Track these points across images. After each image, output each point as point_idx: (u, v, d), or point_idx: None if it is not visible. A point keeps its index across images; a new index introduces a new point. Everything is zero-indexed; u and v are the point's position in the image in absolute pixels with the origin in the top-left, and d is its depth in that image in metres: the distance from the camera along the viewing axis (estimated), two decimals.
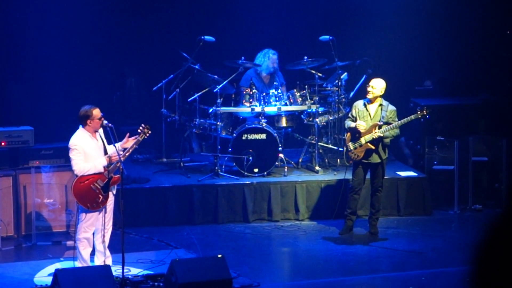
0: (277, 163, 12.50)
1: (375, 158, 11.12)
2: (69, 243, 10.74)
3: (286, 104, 12.51)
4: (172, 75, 12.86)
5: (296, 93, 12.51)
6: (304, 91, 12.51)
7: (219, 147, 12.33)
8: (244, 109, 12.51)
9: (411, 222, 12.13)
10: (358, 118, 11.16)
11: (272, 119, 12.68)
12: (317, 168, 12.60)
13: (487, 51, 14.42)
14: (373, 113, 11.11)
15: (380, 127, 11.01)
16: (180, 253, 10.45)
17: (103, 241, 9.32)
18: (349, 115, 11.37)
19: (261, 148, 12.32)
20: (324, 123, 12.80)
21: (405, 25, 14.33)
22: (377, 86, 11.05)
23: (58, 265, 9.71)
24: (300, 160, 12.97)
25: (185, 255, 10.40)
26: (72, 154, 9.19)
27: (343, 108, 12.77)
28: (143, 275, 9.47)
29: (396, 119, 11.06)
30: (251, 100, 12.43)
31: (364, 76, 13.21)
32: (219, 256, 9.08)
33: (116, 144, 9.10)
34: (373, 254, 10.72)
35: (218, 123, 12.38)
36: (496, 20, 14.27)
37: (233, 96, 12.59)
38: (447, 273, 9.87)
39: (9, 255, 10.61)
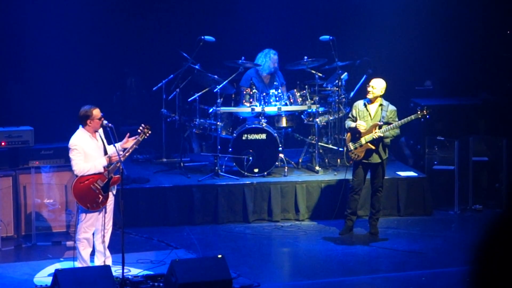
0: (277, 163, 12.49)
1: (375, 158, 11.12)
2: (69, 243, 10.74)
3: (286, 104, 12.50)
4: (172, 75, 12.86)
5: (296, 93, 12.51)
6: (304, 91, 12.51)
7: (219, 147, 12.33)
8: (244, 109, 12.51)
9: (411, 222, 12.12)
10: (358, 118, 11.16)
11: (272, 119, 12.68)
12: (317, 168, 12.60)
13: (487, 51, 14.42)
14: (373, 113, 11.10)
15: (380, 127, 11.01)
16: (180, 253, 10.45)
17: (103, 241, 9.31)
18: (349, 115, 11.37)
19: (261, 148, 12.32)
20: (324, 123, 12.80)
21: (405, 25, 14.33)
22: (377, 86, 11.05)
23: (58, 266, 9.70)
24: (300, 160, 12.97)
25: (185, 255, 10.40)
26: (72, 154, 9.18)
27: (343, 108, 12.76)
28: (143, 275, 9.46)
29: (396, 119, 11.06)
30: (251, 100, 12.43)
31: (364, 76, 13.20)
32: (219, 256, 9.07)
33: (116, 144, 9.10)
34: (373, 254, 10.72)
35: (218, 123, 12.37)
36: (496, 20, 14.27)
37: (233, 96, 12.59)
38: (447, 273, 9.86)
39: (9, 255, 10.61)
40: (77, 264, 9.29)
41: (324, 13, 14.51)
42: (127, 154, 9.29)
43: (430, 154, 13.05)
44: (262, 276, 9.69)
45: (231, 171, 12.46)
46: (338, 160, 12.82)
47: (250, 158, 12.25)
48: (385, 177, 11.47)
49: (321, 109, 12.61)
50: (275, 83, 12.89)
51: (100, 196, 9.20)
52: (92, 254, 9.40)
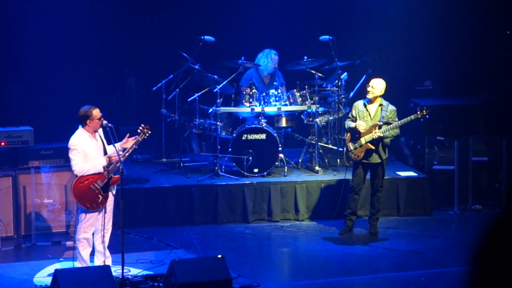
0: (277, 163, 12.49)
1: (375, 158, 11.12)
2: (69, 243, 10.74)
3: (286, 104, 12.50)
4: (172, 75, 12.85)
5: (296, 93, 12.51)
6: (304, 91, 12.51)
7: (219, 147, 12.32)
8: (244, 109, 12.51)
9: (411, 222, 12.12)
10: (358, 118, 11.16)
11: (272, 119, 12.68)
12: (317, 168, 12.59)
13: (487, 51, 14.42)
14: (373, 113, 11.10)
15: (380, 127, 11.01)
16: (180, 253, 10.44)
17: (103, 241, 9.31)
18: (349, 115, 11.37)
19: (261, 148, 12.32)
20: (324, 123, 12.80)
21: (405, 25, 14.33)
22: (377, 86, 11.04)
23: (58, 266, 9.70)
24: (300, 160, 12.97)
25: (185, 255, 10.40)
26: (71, 154, 9.18)
27: (343, 108, 12.76)
28: (142, 276, 9.46)
29: (396, 119, 11.06)
30: (251, 100, 12.43)
31: (364, 76, 13.20)
32: (219, 256, 9.07)
33: (115, 144, 9.10)
34: (373, 254, 10.72)
35: (218, 123, 12.37)
36: (496, 20, 14.27)
37: (233, 96, 12.59)
38: (447, 274, 9.86)
39: (9, 256, 10.61)
40: (77, 264, 9.29)
41: (324, 13, 14.52)
42: (126, 154, 9.29)
43: (430, 154, 13.05)
44: (262, 276, 9.69)
45: (231, 171, 12.45)
46: (338, 160, 12.82)
47: (250, 158, 12.25)
48: (385, 177, 11.47)
49: (320, 109, 12.61)
50: (275, 83, 12.88)
51: (100, 196, 9.20)
52: (92, 254, 9.40)
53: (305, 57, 12.61)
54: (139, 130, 9.32)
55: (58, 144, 11.26)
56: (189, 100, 12.61)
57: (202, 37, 12.72)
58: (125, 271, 9.14)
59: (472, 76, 14.46)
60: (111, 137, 9.06)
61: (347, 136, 11.33)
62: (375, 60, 13.82)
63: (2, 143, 11.15)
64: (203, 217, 11.95)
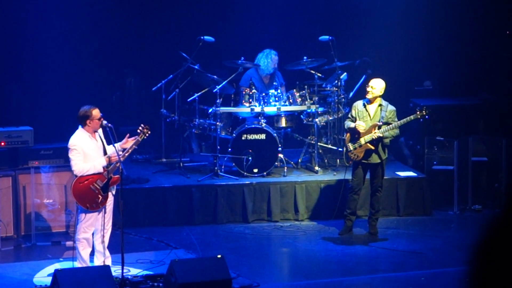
0: (276, 163, 12.49)
1: (374, 159, 11.12)
2: (69, 243, 10.74)
3: (285, 104, 12.50)
4: (171, 75, 12.85)
5: (295, 93, 12.51)
6: (303, 91, 12.51)
7: (218, 147, 12.33)
8: (244, 109, 12.51)
9: (411, 223, 12.12)
10: (357, 118, 11.16)
11: (272, 119, 12.68)
12: (316, 168, 12.59)
13: (487, 51, 14.42)
14: (372, 113, 11.10)
15: (379, 128, 11.01)
16: (180, 254, 10.45)
17: (103, 241, 9.31)
18: (349, 115, 11.37)
19: (261, 148, 12.32)
20: (324, 123, 12.80)
21: (404, 25, 14.33)
22: (377, 86, 11.04)
23: (58, 266, 9.70)
24: (299, 160, 12.97)
25: (185, 255, 10.40)
26: (71, 155, 9.18)
27: (343, 108, 12.76)
28: (142, 276, 9.47)
29: (396, 119, 11.06)
30: (250, 100, 12.43)
31: (364, 76, 13.20)
32: (219, 256, 9.08)
33: (115, 145, 9.10)
34: (372, 255, 10.72)
35: (217, 123, 12.37)
36: (496, 20, 14.26)
37: (232, 96, 12.58)
38: (446, 274, 9.86)
39: (9, 256, 10.61)
40: (77, 264, 9.29)
41: (324, 13, 14.52)
42: (126, 154, 9.30)
43: (429, 154, 13.05)
44: (262, 276, 9.69)
45: (231, 171, 12.46)
46: (338, 160, 12.82)
47: (250, 158, 12.25)
48: (385, 177, 11.47)
49: (320, 109, 12.61)
50: (274, 83, 12.89)
51: (100, 196, 9.20)
52: (92, 254, 9.40)
53: (305, 57, 12.61)
54: (138, 130, 9.32)
55: (58, 144, 11.26)
56: (189, 100, 12.61)
57: (202, 37, 12.72)
58: (125, 271, 9.15)
59: (471, 76, 14.47)
60: (111, 137, 9.06)
61: (347, 136, 11.34)
62: (374, 60, 13.83)
63: (2, 143, 11.15)
64: (203, 217, 11.96)
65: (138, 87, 14.51)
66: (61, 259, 10.14)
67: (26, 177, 11.10)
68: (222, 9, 14.39)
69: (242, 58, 12.56)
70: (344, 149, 11.47)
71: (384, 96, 11.13)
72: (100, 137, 9.35)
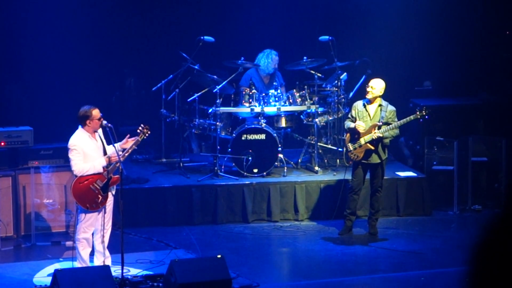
0: (276, 163, 12.49)
1: (374, 159, 11.12)
2: (69, 243, 10.74)
3: (285, 105, 12.50)
4: (171, 75, 12.85)
5: (295, 93, 12.51)
6: (303, 91, 12.51)
7: (218, 147, 12.33)
8: (244, 109, 12.51)
9: (411, 223, 12.12)
10: (357, 118, 11.16)
11: (272, 119, 12.68)
12: (316, 168, 12.59)
13: (487, 51, 14.42)
14: (372, 114, 11.10)
15: (379, 128, 11.01)
16: (180, 254, 10.45)
17: (103, 241, 9.31)
18: (349, 115, 11.37)
19: (261, 149, 12.32)
20: (324, 124, 12.80)
21: (404, 25, 14.33)
22: (377, 86, 11.05)
23: (58, 266, 9.70)
24: (299, 161, 12.97)
25: (185, 255, 10.40)
26: (71, 155, 9.18)
27: (343, 109, 12.77)
28: (142, 276, 9.47)
29: (396, 120, 11.06)
30: (250, 100, 12.43)
31: (364, 77, 13.20)
32: (219, 256, 9.08)
33: (115, 145, 9.10)
34: (372, 255, 10.72)
35: (217, 123, 12.37)
36: (496, 20, 14.27)
37: (232, 96, 12.58)
38: (446, 274, 9.86)
39: (9, 256, 10.61)
40: (77, 264, 9.29)
41: (324, 13, 14.51)
42: (126, 155, 9.30)
43: (429, 155, 13.05)
44: (262, 276, 9.69)
45: (231, 171, 12.46)
46: (338, 160, 12.82)
47: (250, 158, 12.25)
48: (385, 177, 11.48)
49: (320, 110, 12.61)
50: (274, 83, 12.89)
51: (100, 196, 9.20)
52: (92, 254, 9.40)
53: (305, 57, 12.61)
54: (138, 131, 9.32)
55: (57, 144, 11.25)
56: (188, 100, 12.61)
57: (202, 37, 12.72)
58: (124, 271, 9.15)
59: (471, 76, 14.46)
60: (111, 137, 9.06)
61: (347, 136, 11.34)
62: (374, 60, 13.82)
63: (2, 143, 11.14)
64: (202, 217, 11.96)
65: (138, 87, 14.51)
66: (61, 259, 10.14)
67: (26, 177, 11.10)
68: (222, 9, 14.39)
69: (242, 58, 12.56)
70: (344, 149, 11.47)
71: (384, 96, 11.13)
72: (100, 137, 9.35)
